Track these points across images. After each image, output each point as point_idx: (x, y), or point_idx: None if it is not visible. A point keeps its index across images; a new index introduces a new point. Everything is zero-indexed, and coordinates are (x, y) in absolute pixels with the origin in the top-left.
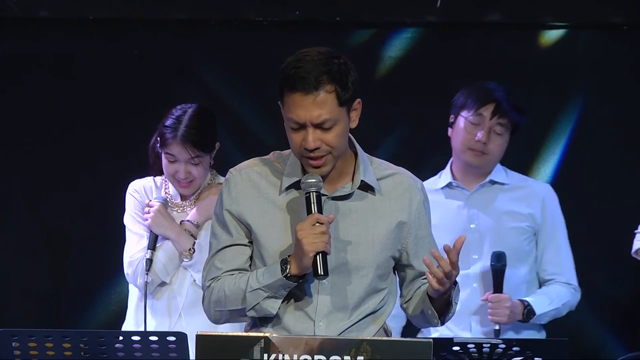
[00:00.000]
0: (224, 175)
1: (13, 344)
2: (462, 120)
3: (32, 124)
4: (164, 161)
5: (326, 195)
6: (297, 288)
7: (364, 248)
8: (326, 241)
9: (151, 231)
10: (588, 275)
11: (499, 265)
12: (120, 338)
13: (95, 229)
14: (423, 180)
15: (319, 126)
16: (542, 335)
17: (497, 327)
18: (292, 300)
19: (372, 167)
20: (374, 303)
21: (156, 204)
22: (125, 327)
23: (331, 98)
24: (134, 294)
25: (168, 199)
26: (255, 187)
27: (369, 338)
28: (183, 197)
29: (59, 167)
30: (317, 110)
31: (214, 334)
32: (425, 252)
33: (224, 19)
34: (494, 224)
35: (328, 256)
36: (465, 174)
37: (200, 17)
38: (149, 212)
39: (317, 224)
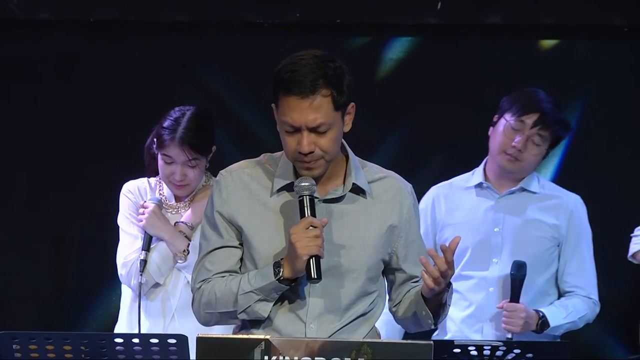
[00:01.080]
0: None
1: (14, 346)
2: (504, 123)
3: (33, 125)
4: (160, 162)
5: (317, 198)
6: (288, 290)
7: (356, 251)
8: (320, 245)
9: (145, 232)
10: None
11: (518, 275)
12: (121, 340)
13: (96, 230)
14: (455, 175)
15: (313, 130)
16: None
17: (509, 336)
18: (284, 303)
19: (363, 171)
20: (365, 305)
21: (151, 205)
22: (118, 328)
23: (327, 102)
24: (127, 295)
25: (162, 200)
26: (247, 188)
27: (369, 340)
28: (177, 199)
29: (60, 168)
30: (312, 114)
31: (214, 336)
32: (414, 256)
33: (224, 21)
34: (517, 231)
35: (321, 259)
36: (498, 177)
37: (201, 19)
38: (143, 213)
39: (311, 228)
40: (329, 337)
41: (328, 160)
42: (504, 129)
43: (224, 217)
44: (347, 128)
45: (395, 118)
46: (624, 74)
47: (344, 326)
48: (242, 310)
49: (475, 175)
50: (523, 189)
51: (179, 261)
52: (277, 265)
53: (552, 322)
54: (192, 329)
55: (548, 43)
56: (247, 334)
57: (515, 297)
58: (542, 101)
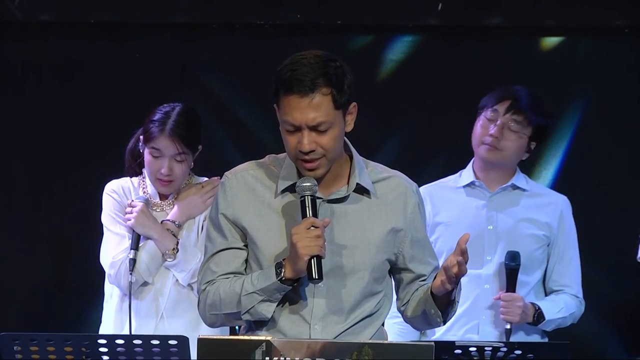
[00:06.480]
0: (208, 175)
1: (15, 347)
2: (481, 118)
3: (34, 126)
4: (148, 158)
5: (321, 199)
6: (292, 291)
7: (360, 251)
8: (321, 245)
9: (134, 231)
10: (590, 279)
11: (513, 265)
12: (122, 342)
13: (97, 231)
14: (442, 177)
15: (314, 129)
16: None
17: (508, 327)
18: (288, 304)
19: (368, 170)
20: (370, 306)
21: (139, 204)
22: (104, 330)
23: (327, 101)
24: (114, 295)
25: (147, 199)
26: (251, 190)
27: (370, 341)
28: (162, 197)
29: (60, 169)
30: (312, 112)
31: (215, 337)
32: (421, 255)
33: (225, 23)
34: (511, 228)
35: (323, 259)
36: (487, 174)
37: (202, 21)
38: (131, 212)
39: (312, 228)
40: (334, 338)
41: (329, 159)
42: (481, 122)
43: (228, 219)
44: (348, 128)
45: (396, 119)
46: (624, 74)
47: (349, 327)
48: (245, 311)
49: (465, 176)
50: (515, 187)
51: (169, 260)
52: (278, 266)
53: (547, 316)
54: (182, 329)
55: (549, 44)
56: (252, 336)
57: (511, 287)
58: (517, 90)
